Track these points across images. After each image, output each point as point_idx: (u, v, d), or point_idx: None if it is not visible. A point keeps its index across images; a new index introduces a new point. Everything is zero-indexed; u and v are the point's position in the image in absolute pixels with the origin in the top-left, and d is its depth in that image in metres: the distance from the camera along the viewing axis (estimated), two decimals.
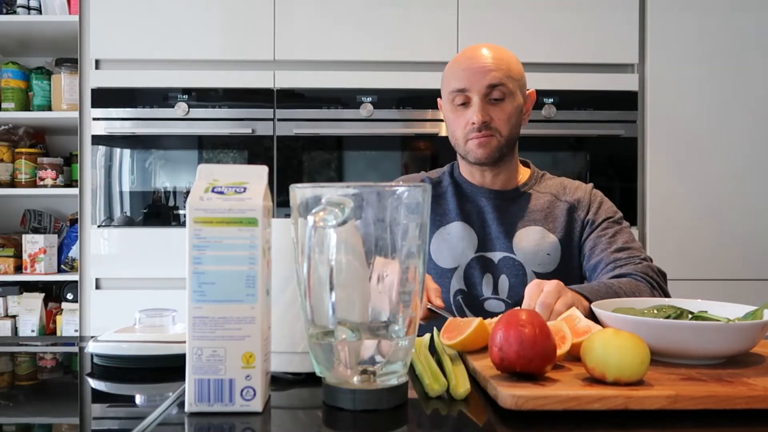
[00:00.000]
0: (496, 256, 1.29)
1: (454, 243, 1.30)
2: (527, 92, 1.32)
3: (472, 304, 1.27)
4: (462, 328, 0.81)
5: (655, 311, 0.84)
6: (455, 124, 1.28)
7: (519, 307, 0.96)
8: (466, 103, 1.25)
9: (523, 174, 1.37)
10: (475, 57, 1.25)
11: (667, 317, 0.81)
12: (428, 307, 1.06)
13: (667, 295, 1.19)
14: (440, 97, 1.34)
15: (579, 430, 0.60)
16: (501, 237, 1.29)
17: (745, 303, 0.85)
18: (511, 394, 0.63)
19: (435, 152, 2.23)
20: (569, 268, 1.29)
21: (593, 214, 1.30)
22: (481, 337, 0.80)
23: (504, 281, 1.27)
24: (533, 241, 1.28)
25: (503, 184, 1.33)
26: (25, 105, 2.41)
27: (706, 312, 0.84)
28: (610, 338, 0.67)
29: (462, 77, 1.24)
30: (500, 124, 1.25)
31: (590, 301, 1.01)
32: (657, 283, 1.19)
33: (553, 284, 0.97)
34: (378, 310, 0.66)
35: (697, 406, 0.62)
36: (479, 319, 0.80)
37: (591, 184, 1.37)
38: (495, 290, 1.28)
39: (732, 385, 0.65)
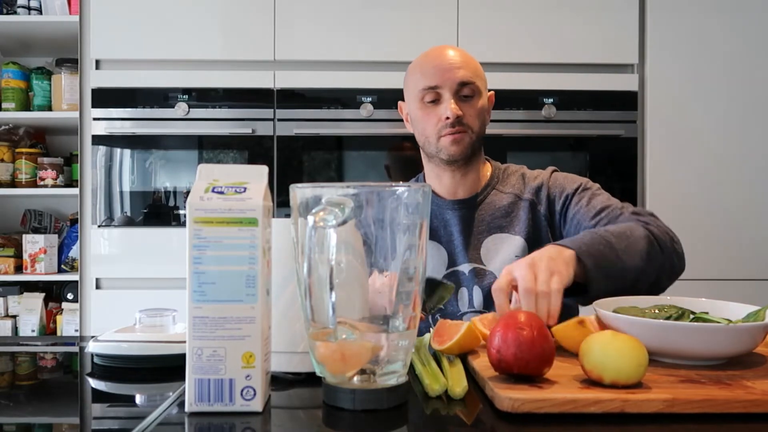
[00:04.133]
0: (466, 268, 1.28)
1: None
2: (488, 94, 1.32)
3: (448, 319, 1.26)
4: (452, 332, 0.81)
5: (657, 311, 0.84)
6: (426, 122, 1.26)
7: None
8: (436, 101, 1.25)
9: (486, 172, 1.35)
10: (443, 56, 1.26)
11: (668, 317, 0.81)
12: None
13: (666, 231, 1.12)
14: (402, 100, 1.34)
15: (576, 429, 0.60)
16: (468, 249, 1.28)
17: (747, 303, 0.85)
18: (507, 397, 0.63)
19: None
20: None
21: (560, 198, 1.27)
22: (470, 340, 0.80)
23: (477, 292, 1.26)
24: (500, 248, 1.26)
25: (469, 189, 1.31)
26: (26, 105, 2.41)
27: (707, 313, 0.84)
28: (607, 341, 0.67)
29: (433, 74, 1.24)
30: (471, 120, 1.25)
31: (575, 252, 0.98)
32: (652, 221, 1.13)
33: (520, 268, 0.93)
34: (378, 310, 0.66)
35: (694, 409, 0.62)
36: (467, 323, 0.80)
37: (550, 170, 1.33)
38: (470, 303, 1.26)
39: (730, 389, 0.65)
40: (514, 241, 1.27)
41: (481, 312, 1.25)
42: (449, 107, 1.22)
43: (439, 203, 1.32)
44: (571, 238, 1.06)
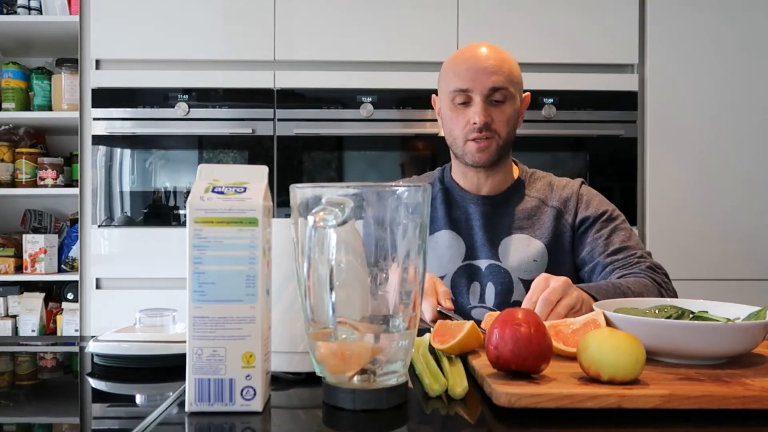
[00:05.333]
0: (483, 263, 1.28)
1: (442, 251, 1.29)
2: (523, 95, 1.31)
3: (457, 312, 1.26)
4: (454, 332, 0.80)
5: (657, 311, 0.84)
6: (454, 123, 1.26)
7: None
8: (466, 103, 1.24)
9: (513, 174, 1.35)
10: (478, 57, 1.24)
11: (668, 317, 0.81)
12: (438, 309, 1.05)
13: (674, 293, 1.18)
14: (435, 94, 1.34)
15: (575, 427, 0.60)
16: (487, 245, 1.28)
17: (747, 303, 0.85)
18: (504, 392, 0.63)
19: (435, 152, 2.23)
20: (558, 273, 1.26)
21: (582, 215, 1.28)
22: (472, 340, 0.80)
23: (490, 289, 1.26)
24: (519, 248, 1.27)
25: (494, 188, 1.32)
26: (26, 105, 2.41)
27: (707, 312, 0.84)
28: (604, 338, 0.67)
29: (465, 77, 1.22)
30: (500, 126, 1.24)
31: (597, 301, 1.02)
32: (664, 284, 1.18)
33: (560, 281, 0.96)
34: (378, 310, 0.66)
35: (692, 405, 0.62)
36: (471, 322, 0.80)
37: (579, 181, 1.35)
38: (481, 298, 1.27)
39: (728, 385, 0.65)
40: (535, 245, 1.27)
41: (490, 309, 1.26)
42: (478, 113, 1.21)
43: (463, 195, 1.33)
44: (597, 287, 1.08)
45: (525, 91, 1.32)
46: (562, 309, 0.94)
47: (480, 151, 1.24)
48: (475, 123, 1.22)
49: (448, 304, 1.06)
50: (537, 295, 0.95)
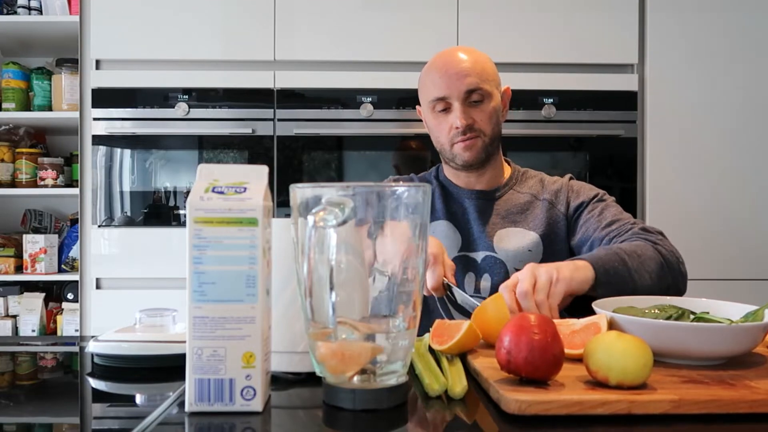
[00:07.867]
0: (479, 255, 1.30)
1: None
2: (502, 89, 1.33)
3: (453, 302, 1.28)
4: (452, 332, 0.81)
5: (657, 311, 0.84)
6: (439, 130, 1.30)
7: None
8: (447, 109, 1.27)
9: (505, 172, 1.39)
10: (450, 62, 1.26)
11: (669, 318, 0.81)
12: (445, 282, 1.05)
13: (672, 252, 1.16)
14: (419, 104, 1.36)
15: (578, 429, 0.60)
16: (483, 237, 1.31)
17: (746, 303, 0.85)
18: (514, 399, 0.62)
19: (434, 152, 2.23)
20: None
21: (575, 202, 1.31)
22: (471, 339, 0.80)
23: (486, 280, 1.29)
24: (513, 240, 1.29)
25: (487, 185, 1.35)
26: (26, 105, 2.41)
27: (708, 312, 0.84)
28: (613, 342, 0.66)
29: (440, 84, 1.26)
30: (483, 125, 1.27)
31: (591, 264, 1.02)
32: (660, 241, 1.17)
33: (523, 271, 0.98)
34: (378, 310, 0.66)
35: (701, 410, 0.62)
36: (469, 321, 0.80)
37: (568, 176, 1.38)
38: (477, 289, 1.29)
39: (734, 389, 0.65)
40: (529, 236, 1.30)
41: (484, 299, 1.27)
42: (458, 117, 1.24)
43: (458, 191, 1.36)
44: (587, 254, 1.09)
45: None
46: (542, 287, 0.95)
47: (467, 150, 1.27)
48: (457, 127, 1.25)
49: (452, 279, 1.07)
50: (512, 292, 0.96)
